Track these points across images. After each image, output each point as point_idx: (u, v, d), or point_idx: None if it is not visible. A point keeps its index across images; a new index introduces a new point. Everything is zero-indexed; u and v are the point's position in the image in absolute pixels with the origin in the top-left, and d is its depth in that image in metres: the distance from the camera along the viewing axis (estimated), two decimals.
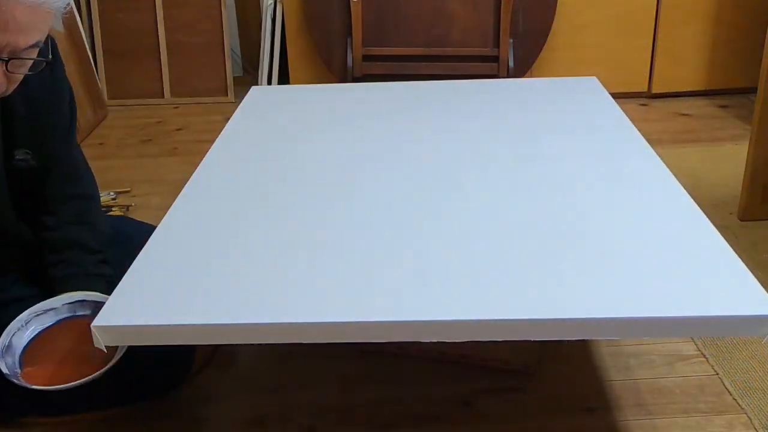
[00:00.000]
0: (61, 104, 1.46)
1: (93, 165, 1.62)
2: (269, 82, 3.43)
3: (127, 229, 1.70)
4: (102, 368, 1.23)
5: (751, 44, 3.13)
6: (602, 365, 1.65)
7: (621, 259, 1.17)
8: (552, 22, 3.11)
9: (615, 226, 1.27)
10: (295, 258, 1.21)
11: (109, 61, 3.47)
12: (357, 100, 1.98)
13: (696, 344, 1.71)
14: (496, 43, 3.07)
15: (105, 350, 1.09)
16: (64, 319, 1.35)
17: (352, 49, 3.09)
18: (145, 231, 1.41)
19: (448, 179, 1.48)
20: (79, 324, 1.33)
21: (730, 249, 1.19)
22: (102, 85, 3.44)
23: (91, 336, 1.07)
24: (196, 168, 1.57)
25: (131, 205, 2.40)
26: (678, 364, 1.65)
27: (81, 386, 1.22)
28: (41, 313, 1.34)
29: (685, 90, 3.33)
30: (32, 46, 1.18)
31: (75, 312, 1.36)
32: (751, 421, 1.48)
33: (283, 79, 3.43)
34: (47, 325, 1.34)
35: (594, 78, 2.05)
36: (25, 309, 1.34)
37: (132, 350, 1.11)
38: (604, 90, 1.96)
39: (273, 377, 1.64)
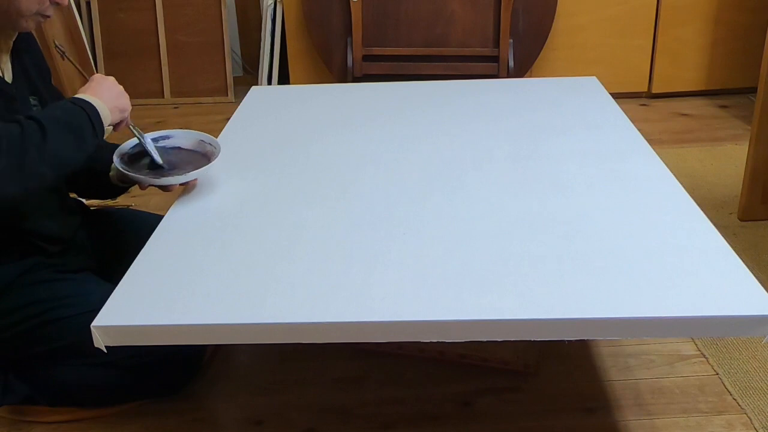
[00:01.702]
0: (44, 62, 1.61)
1: None
2: (269, 82, 3.43)
3: (137, 217, 1.76)
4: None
5: (751, 44, 3.14)
6: (602, 365, 1.64)
7: (621, 259, 1.17)
8: (552, 22, 3.11)
9: (615, 226, 1.27)
10: (295, 258, 1.21)
11: (109, 61, 3.47)
12: (357, 100, 1.98)
13: (696, 344, 1.71)
14: (496, 43, 3.07)
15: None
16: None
17: (352, 49, 3.08)
18: (153, 221, 1.44)
19: (448, 179, 1.48)
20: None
21: (730, 249, 1.19)
22: None
23: None
24: None
25: (131, 206, 2.39)
26: (678, 364, 1.65)
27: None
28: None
29: (685, 90, 3.33)
30: None
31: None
32: (751, 421, 1.48)
33: (283, 79, 3.43)
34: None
35: (594, 78, 2.05)
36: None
37: (144, 349, 1.13)
38: (604, 90, 1.96)
39: (273, 377, 1.64)
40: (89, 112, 1.34)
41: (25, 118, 1.28)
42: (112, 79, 1.44)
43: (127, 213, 1.83)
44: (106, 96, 1.39)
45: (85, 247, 1.60)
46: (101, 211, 1.76)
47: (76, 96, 1.37)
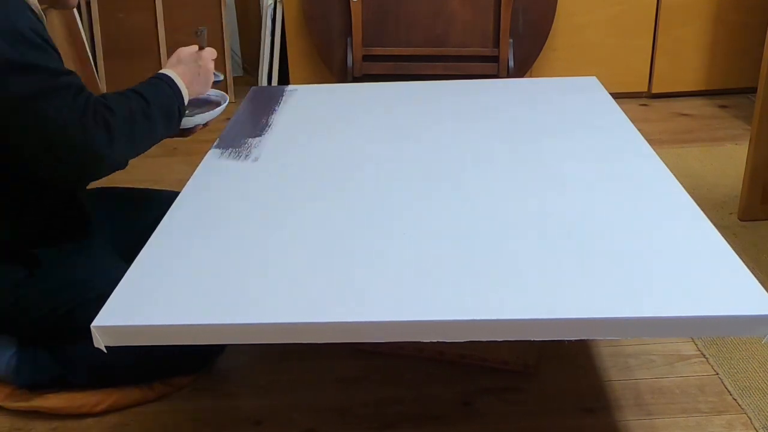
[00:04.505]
0: None
1: None
2: (269, 82, 3.43)
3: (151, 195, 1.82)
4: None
5: (751, 44, 3.13)
6: (602, 365, 1.64)
7: (621, 259, 1.17)
8: (552, 22, 3.11)
9: (615, 226, 1.27)
10: (295, 258, 1.21)
11: (109, 61, 3.46)
12: (357, 100, 1.98)
13: (696, 344, 1.71)
14: (496, 43, 3.07)
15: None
16: None
17: (352, 49, 3.08)
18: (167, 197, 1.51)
19: (448, 179, 1.48)
20: None
21: (730, 249, 1.19)
22: (102, 85, 3.43)
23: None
24: (196, 168, 1.57)
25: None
26: (678, 364, 1.65)
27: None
28: None
29: (685, 90, 3.32)
30: None
31: None
32: (751, 421, 1.48)
33: (283, 79, 3.43)
34: None
35: (594, 78, 2.05)
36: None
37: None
38: (604, 90, 1.96)
39: (273, 377, 1.64)
40: (179, 100, 1.46)
41: (131, 91, 1.38)
42: (190, 53, 1.54)
43: (141, 191, 1.87)
44: (189, 78, 1.49)
45: (104, 227, 1.64)
46: (113, 190, 1.79)
47: (165, 74, 1.47)
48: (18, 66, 1.25)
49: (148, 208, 1.63)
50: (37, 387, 1.56)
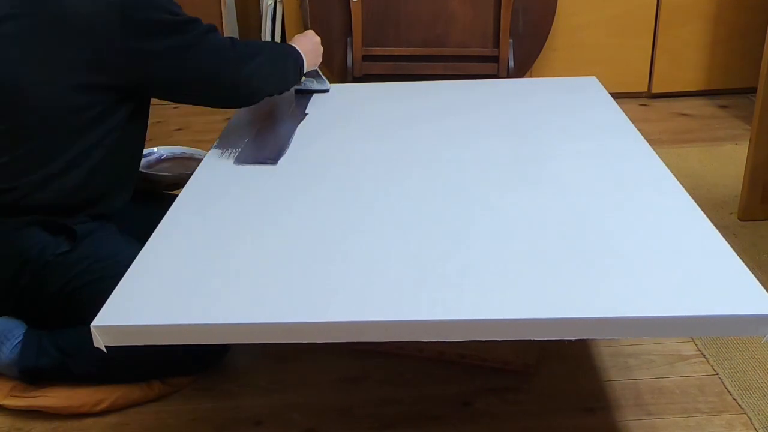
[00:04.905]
0: None
1: None
2: None
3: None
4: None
5: (751, 44, 3.13)
6: (602, 365, 1.65)
7: (621, 259, 1.17)
8: (552, 22, 3.11)
9: (615, 225, 1.27)
10: (295, 258, 1.21)
11: None
12: (357, 100, 1.98)
13: (696, 344, 1.71)
14: (496, 43, 3.07)
15: None
16: None
17: (352, 49, 3.08)
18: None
19: (448, 179, 1.48)
20: None
21: (730, 249, 1.19)
22: None
23: None
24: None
25: None
26: (678, 364, 1.65)
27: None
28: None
29: (685, 90, 3.32)
30: None
31: None
32: (751, 421, 1.48)
33: None
34: None
35: (594, 78, 2.05)
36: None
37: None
38: (604, 90, 1.96)
39: (273, 377, 1.64)
40: (301, 60, 1.80)
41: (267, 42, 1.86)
42: (310, 32, 1.94)
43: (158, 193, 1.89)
44: (306, 48, 1.85)
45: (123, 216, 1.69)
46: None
47: (288, 44, 1.84)
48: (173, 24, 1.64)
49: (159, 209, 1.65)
50: (38, 373, 1.56)
